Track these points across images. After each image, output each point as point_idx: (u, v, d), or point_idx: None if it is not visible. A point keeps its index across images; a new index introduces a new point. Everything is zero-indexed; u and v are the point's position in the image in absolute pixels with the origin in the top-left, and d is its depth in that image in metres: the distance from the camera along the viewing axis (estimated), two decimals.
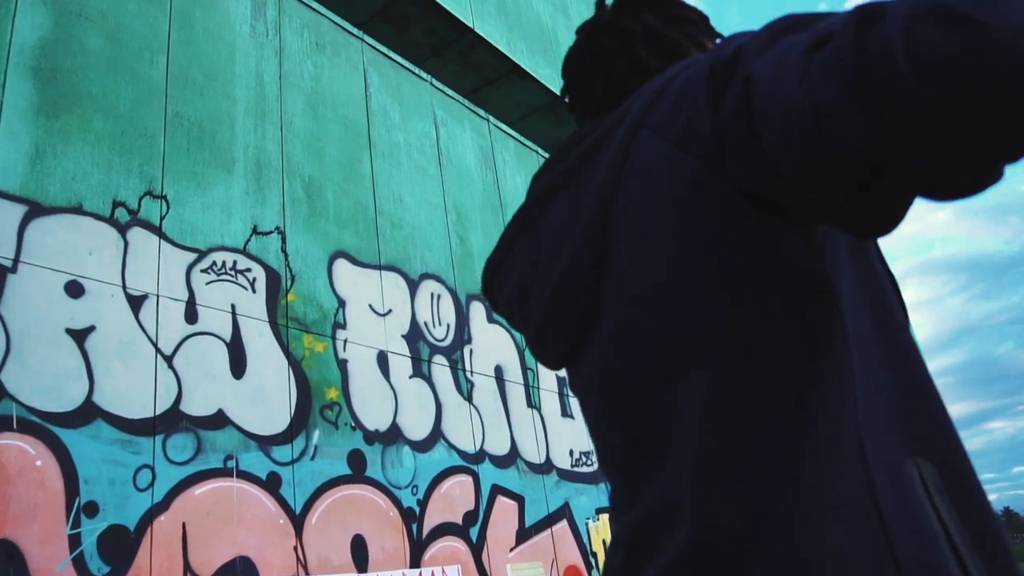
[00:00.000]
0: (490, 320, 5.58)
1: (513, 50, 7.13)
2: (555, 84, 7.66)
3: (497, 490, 4.95)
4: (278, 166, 4.41)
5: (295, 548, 3.64)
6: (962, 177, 0.51)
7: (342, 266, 4.53)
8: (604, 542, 5.72)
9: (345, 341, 4.34)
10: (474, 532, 4.64)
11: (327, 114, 4.89)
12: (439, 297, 5.16)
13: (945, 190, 0.53)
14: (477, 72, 7.22)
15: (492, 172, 6.41)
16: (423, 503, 4.39)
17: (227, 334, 3.77)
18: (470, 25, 6.64)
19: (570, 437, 5.94)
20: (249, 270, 4.01)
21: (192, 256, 3.76)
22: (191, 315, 3.64)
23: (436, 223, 5.41)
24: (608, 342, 0.79)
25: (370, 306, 4.62)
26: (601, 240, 0.78)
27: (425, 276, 5.11)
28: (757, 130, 0.61)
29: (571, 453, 5.87)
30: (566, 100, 1.03)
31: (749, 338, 0.67)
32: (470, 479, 4.78)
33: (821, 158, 0.55)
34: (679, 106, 0.72)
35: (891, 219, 0.59)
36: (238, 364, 3.76)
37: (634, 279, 0.75)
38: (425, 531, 4.33)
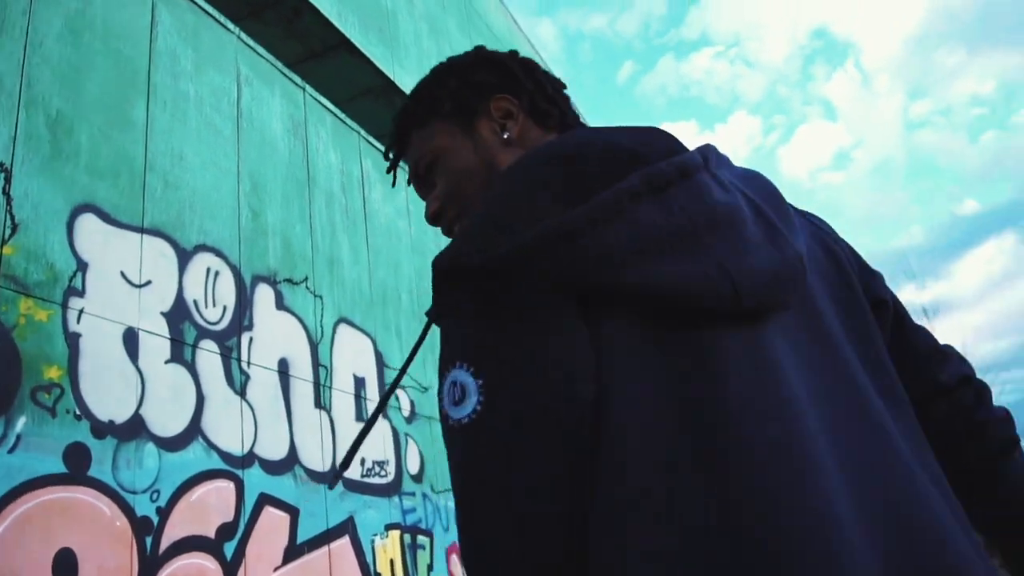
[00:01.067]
0: (279, 307, 4.93)
1: (344, 23, 6.57)
2: (389, 66, 7.16)
3: (266, 500, 4.29)
4: (13, 91, 3.58)
5: None
6: None
7: (89, 222, 3.74)
8: (391, 562, 5.19)
9: (80, 311, 3.56)
10: (230, 548, 3.96)
11: (94, 44, 4.10)
12: (217, 274, 4.45)
13: None
14: (301, 41, 6.57)
15: (302, 145, 5.77)
16: (165, 512, 3.67)
17: None
18: None
19: (363, 444, 5.35)
20: None
21: None
22: None
23: (224, 190, 4.70)
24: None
25: (122, 274, 3.86)
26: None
27: (201, 248, 4.39)
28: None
29: (363, 462, 5.30)
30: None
31: None
32: (232, 485, 4.10)
33: None
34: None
35: None
36: None
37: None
38: (163, 546, 3.61)
